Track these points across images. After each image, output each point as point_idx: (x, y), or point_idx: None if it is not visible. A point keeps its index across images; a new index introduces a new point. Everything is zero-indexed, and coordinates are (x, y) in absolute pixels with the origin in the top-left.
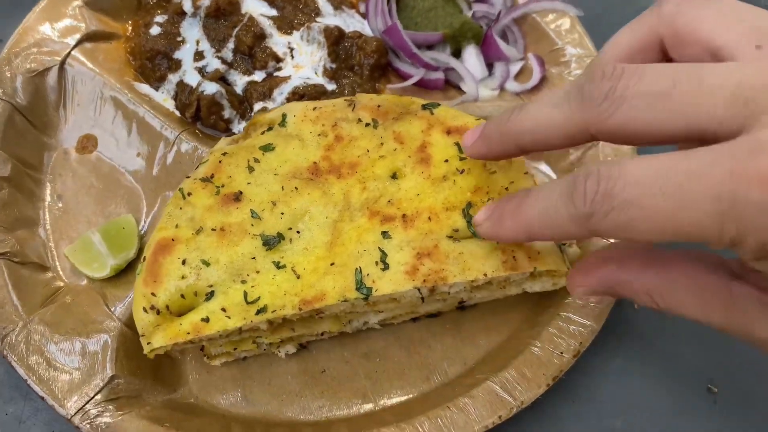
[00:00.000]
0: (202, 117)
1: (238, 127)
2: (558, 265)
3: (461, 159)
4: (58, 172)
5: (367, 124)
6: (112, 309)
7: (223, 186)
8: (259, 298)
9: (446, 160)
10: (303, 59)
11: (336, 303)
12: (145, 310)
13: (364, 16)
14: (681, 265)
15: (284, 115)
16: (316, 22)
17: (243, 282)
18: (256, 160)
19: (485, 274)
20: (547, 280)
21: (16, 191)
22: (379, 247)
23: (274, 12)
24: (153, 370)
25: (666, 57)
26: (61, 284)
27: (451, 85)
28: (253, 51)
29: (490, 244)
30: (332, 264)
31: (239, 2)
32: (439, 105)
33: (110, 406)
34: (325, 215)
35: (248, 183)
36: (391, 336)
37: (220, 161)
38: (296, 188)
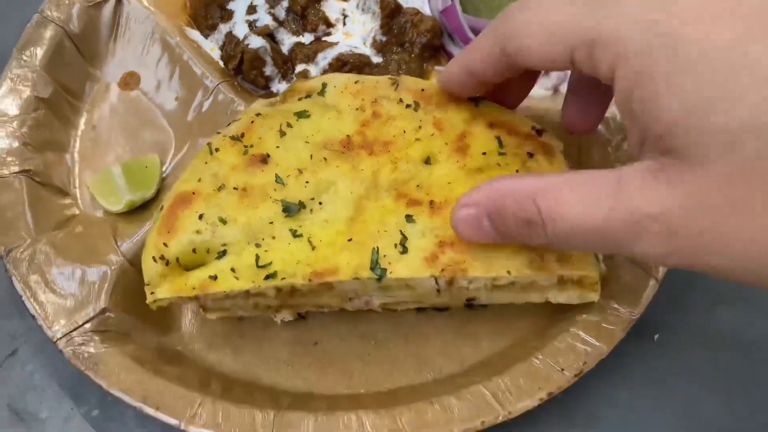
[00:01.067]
0: (244, 71)
1: (278, 86)
2: (589, 271)
3: (500, 154)
4: (97, 103)
5: (408, 106)
6: (120, 243)
7: (252, 146)
8: (270, 263)
9: (484, 153)
10: (354, 28)
11: (348, 280)
12: (154, 259)
13: None
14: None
15: (324, 85)
16: None
17: (257, 245)
18: (289, 125)
19: (509, 272)
20: (573, 292)
21: (52, 114)
22: (400, 230)
23: None
24: (145, 311)
25: None
26: (77, 212)
27: None
28: (306, 12)
29: None
30: (350, 240)
31: None
32: (485, 99)
33: (96, 338)
34: (350, 190)
35: (277, 147)
36: (391, 322)
37: (252, 121)
38: (325, 159)
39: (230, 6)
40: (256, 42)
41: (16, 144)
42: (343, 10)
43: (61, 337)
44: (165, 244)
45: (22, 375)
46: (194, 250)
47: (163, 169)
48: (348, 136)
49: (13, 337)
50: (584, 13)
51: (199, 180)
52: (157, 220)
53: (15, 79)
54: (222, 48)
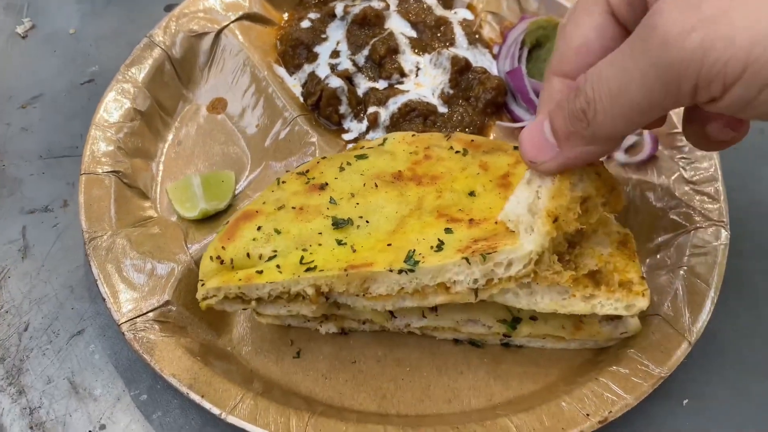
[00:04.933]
0: (321, 107)
1: (350, 124)
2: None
3: None
4: (185, 122)
5: (458, 152)
6: (189, 246)
7: (313, 179)
8: (312, 262)
9: None
10: (425, 79)
11: (382, 271)
12: (211, 258)
13: (495, 57)
14: None
15: (385, 139)
16: (447, 49)
17: (304, 250)
18: (349, 164)
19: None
20: (620, 296)
21: (145, 126)
22: (438, 238)
23: (413, 33)
24: (204, 311)
25: None
26: (155, 215)
27: None
28: (383, 61)
29: None
30: (389, 245)
31: (385, 18)
32: None
33: (156, 326)
34: (395, 210)
35: (335, 178)
36: (428, 350)
37: (318, 162)
38: (376, 185)
39: (316, 49)
40: (335, 82)
41: (111, 147)
42: (417, 63)
43: (125, 321)
44: (223, 248)
45: (85, 353)
46: (248, 255)
47: (237, 185)
48: (399, 171)
49: (81, 318)
50: None
51: (264, 203)
52: (221, 231)
53: (119, 91)
54: (304, 86)
